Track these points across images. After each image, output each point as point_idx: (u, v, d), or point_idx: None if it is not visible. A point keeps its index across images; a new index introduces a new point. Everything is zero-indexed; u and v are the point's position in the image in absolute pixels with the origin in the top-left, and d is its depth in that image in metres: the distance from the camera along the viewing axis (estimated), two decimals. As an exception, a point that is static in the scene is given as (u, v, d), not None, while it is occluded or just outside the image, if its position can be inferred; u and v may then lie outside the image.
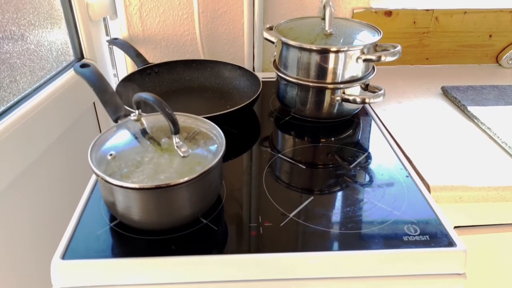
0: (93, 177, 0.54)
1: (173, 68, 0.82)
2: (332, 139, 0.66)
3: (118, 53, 0.95)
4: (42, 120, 0.66)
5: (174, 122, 0.43)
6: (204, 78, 0.83)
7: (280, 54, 0.69)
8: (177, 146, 0.44)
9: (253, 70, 0.92)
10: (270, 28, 0.74)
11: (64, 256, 0.42)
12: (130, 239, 0.45)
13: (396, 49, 0.63)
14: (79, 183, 0.78)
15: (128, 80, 0.75)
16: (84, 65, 0.53)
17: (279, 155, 0.61)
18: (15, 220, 0.61)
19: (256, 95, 0.68)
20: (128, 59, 0.93)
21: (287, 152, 0.62)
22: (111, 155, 0.43)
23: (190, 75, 0.83)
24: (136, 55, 0.81)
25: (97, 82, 0.51)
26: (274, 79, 0.74)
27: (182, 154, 0.43)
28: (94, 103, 0.86)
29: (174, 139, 0.44)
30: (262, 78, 0.75)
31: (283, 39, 0.66)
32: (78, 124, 0.80)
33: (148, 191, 0.41)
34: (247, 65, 0.94)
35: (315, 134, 0.68)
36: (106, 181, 0.40)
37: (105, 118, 0.90)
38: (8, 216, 0.59)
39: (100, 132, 0.88)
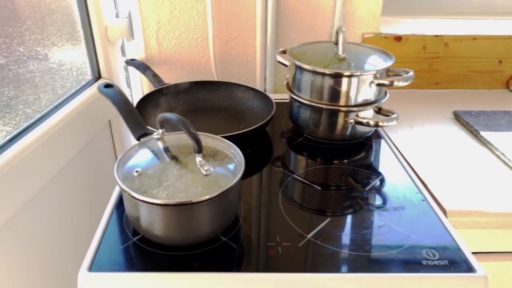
0: (115, 194, 0.55)
1: (188, 89, 0.84)
2: (345, 161, 0.67)
3: (133, 73, 0.98)
4: (61, 137, 0.67)
5: (197, 142, 0.44)
6: (217, 98, 0.85)
7: (293, 77, 0.71)
8: (200, 165, 0.45)
9: (265, 91, 0.94)
10: (284, 52, 0.76)
11: (90, 269, 0.43)
12: (153, 254, 0.45)
13: (409, 74, 0.64)
14: (94, 199, 0.78)
15: (146, 100, 0.77)
16: (107, 85, 0.54)
17: (294, 175, 0.62)
18: (35, 234, 0.61)
19: (271, 116, 0.69)
20: (144, 80, 0.95)
21: (301, 173, 0.63)
22: (137, 171, 0.44)
23: (204, 95, 0.85)
24: (153, 76, 0.83)
25: (121, 102, 0.52)
26: (285, 100, 0.75)
27: (204, 173, 0.44)
28: (109, 121, 0.88)
29: (197, 157, 0.45)
30: (274, 99, 0.76)
31: (297, 63, 0.68)
32: (93, 142, 0.81)
33: (171, 207, 0.41)
34: (258, 87, 0.96)
35: (328, 155, 0.68)
36: (131, 196, 0.41)
37: (120, 136, 0.91)
38: (29, 232, 0.60)
39: (115, 150, 0.89)
